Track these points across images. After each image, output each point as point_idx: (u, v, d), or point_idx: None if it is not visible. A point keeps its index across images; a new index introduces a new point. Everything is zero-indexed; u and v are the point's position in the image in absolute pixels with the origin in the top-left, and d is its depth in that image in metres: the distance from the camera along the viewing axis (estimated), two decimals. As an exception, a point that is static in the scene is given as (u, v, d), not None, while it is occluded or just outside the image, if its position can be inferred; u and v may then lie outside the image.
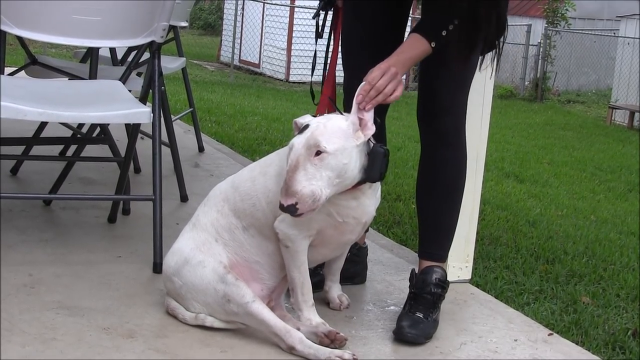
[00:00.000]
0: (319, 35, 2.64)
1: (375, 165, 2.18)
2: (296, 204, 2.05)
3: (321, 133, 2.10)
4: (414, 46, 2.31)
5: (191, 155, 4.75)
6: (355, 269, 2.77)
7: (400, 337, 2.36)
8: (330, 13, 2.65)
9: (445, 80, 2.46)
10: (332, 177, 2.09)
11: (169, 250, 2.38)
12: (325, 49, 2.63)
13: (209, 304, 2.27)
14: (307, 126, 2.15)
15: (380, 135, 2.70)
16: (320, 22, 2.63)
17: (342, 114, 2.26)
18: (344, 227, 2.27)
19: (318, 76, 2.59)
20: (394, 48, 2.34)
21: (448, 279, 2.54)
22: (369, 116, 2.18)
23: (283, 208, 2.07)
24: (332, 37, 2.64)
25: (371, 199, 2.29)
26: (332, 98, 2.50)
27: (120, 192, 3.13)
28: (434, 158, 2.51)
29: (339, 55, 2.63)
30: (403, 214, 4.26)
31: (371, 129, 2.17)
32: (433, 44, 2.29)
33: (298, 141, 2.11)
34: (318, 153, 2.07)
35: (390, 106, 2.69)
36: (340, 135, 2.12)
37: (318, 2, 2.63)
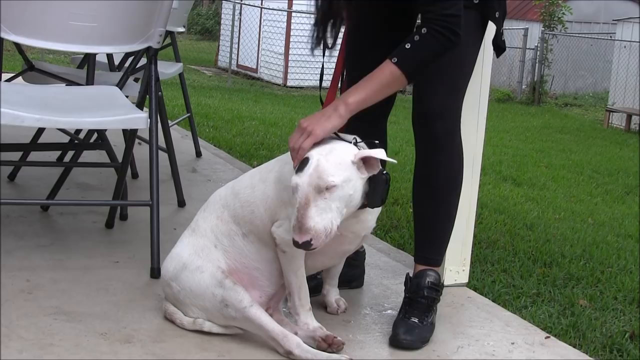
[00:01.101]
0: (326, 46, 2.63)
1: (377, 192, 2.16)
2: (311, 240, 2.04)
3: (324, 169, 2.05)
4: (375, 77, 2.27)
5: (188, 160, 4.76)
6: (352, 272, 2.78)
7: (396, 344, 2.36)
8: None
9: (436, 84, 2.46)
10: (340, 207, 2.07)
11: (168, 255, 2.38)
12: (324, 58, 2.63)
13: (207, 309, 2.27)
14: (305, 160, 2.10)
15: (380, 141, 2.72)
16: (328, 34, 2.63)
17: (340, 138, 2.21)
18: (343, 239, 2.27)
19: (327, 81, 2.58)
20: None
21: (445, 282, 2.55)
22: (377, 154, 2.11)
23: (298, 245, 2.05)
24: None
25: (372, 214, 2.29)
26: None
27: (118, 197, 3.14)
28: (428, 163, 2.50)
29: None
30: (400, 218, 4.26)
31: (377, 169, 2.13)
32: (394, 59, 2.24)
33: (301, 181, 2.06)
34: (326, 187, 2.05)
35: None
36: (344, 167, 2.08)
37: (315, 14, 2.62)
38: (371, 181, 2.14)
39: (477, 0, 2.41)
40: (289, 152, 2.26)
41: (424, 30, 2.23)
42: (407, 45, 2.25)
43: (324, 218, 2.04)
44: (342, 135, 2.24)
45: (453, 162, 2.53)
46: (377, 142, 2.24)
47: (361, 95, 2.24)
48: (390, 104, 2.70)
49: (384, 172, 2.16)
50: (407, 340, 2.36)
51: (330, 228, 2.05)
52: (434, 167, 2.49)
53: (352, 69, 2.60)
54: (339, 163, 2.08)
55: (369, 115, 2.61)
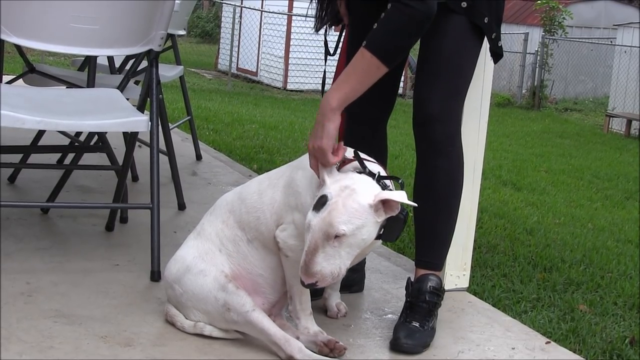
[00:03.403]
0: (328, 53, 2.64)
1: (394, 230, 2.13)
2: (316, 282, 2.05)
3: (339, 215, 2.02)
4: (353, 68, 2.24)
5: (189, 163, 4.75)
6: (353, 277, 2.77)
7: (397, 348, 2.36)
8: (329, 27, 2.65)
9: (434, 88, 2.45)
10: (351, 252, 2.07)
11: (172, 257, 2.38)
12: (326, 63, 2.64)
13: (209, 312, 2.27)
14: (324, 198, 2.06)
15: (380, 146, 2.72)
16: (337, 41, 2.63)
17: (364, 168, 2.16)
18: None
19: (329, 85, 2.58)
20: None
21: (446, 287, 2.54)
22: (398, 197, 2.06)
23: (304, 285, 2.07)
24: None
25: None
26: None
27: (118, 200, 3.14)
28: (427, 167, 2.49)
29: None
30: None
31: (396, 211, 2.08)
32: (364, 42, 2.21)
33: (315, 222, 2.04)
34: (336, 236, 2.03)
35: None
36: (360, 215, 2.04)
37: (315, 19, 2.63)
38: (389, 219, 2.11)
39: (465, 5, 2.39)
40: (300, 158, 2.27)
41: (389, 6, 2.20)
42: (375, 26, 2.23)
43: (331, 263, 2.04)
44: (367, 161, 2.19)
45: (453, 166, 2.52)
46: (400, 180, 2.21)
47: (343, 90, 2.22)
48: (390, 109, 2.70)
49: (404, 211, 2.11)
50: (408, 344, 2.36)
51: (338, 272, 2.06)
52: (434, 171, 2.49)
53: None
54: (356, 210, 2.04)
55: (369, 120, 2.62)
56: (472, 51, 2.49)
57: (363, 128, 2.65)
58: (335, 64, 2.72)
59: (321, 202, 2.06)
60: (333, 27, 2.62)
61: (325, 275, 2.05)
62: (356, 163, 2.19)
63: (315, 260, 2.04)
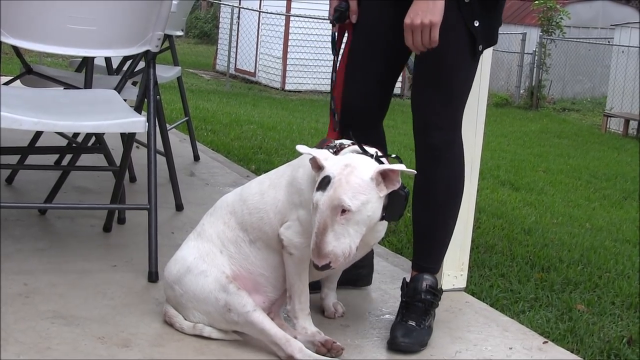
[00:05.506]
0: (336, 52, 2.63)
1: (396, 208, 2.17)
2: (329, 262, 2.07)
3: (344, 191, 2.06)
4: None
5: (187, 164, 4.75)
6: (358, 272, 2.78)
7: (394, 347, 2.36)
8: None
9: (432, 94, 2.46)
10: (359, 229, 2.09)
11: (172, 258, 2.38)
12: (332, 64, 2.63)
13: (210, 313, 2.27)
14: (327, 178, 2.10)
15: (380, 145, 2.72)
16: (332, 41, 2.63)
17: (364, 151, 2.22)
18: None
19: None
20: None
21: (443, 287, 2.54)
22: (396, 167, 2.12)
23: (317, 268, 2.09)
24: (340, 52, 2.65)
25: (382, 224, 2.30)
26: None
27: (116, 201, 3.13)
28: (427, 173, 2.48)
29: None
30: (399, 222, 4.26)
31: (397, 184, 2.13)
32: None
33: (322, 201, 2.07)
34: (343, 211, 2.06)
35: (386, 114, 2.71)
36: (363, 190, 2.08)
37: (330, 19, 2.62)
38: (390, 196, 2.15)
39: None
40: (300, 157, 2.27)
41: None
42: None
43: (341, 243, 2.06)
44: (366, 147, 2.24)
45: (452, 173, 2.52)
46: (396, 156, 2.24)
47: None
48: (385, 108, 2.70)
49: (405, 188, 2.16)
50: (405, 342, 2.36)
51: (349, 252, 2.08)
52: (433, 178, 2.49)
53: (352, 79, 2.59)
54: (359, 185, 2.08)
55: (365, 121, 2.61)
56: (467, 54, 2.46)
57: (360, 130, 2.65)
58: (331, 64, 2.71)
59: (325, 182, 2.09)
60: (336, 25, 2.61)
61: (338, 255, 2.06)
62: (353, 147, 2.23)
63: (326, 240, 2.05)
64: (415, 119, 2.51)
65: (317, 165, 2.16)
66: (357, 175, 2.09)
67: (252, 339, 2.27)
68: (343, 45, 2.64)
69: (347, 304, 2.63)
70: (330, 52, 2.66)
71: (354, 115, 2.60)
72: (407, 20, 2.29)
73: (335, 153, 2.22)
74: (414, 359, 2.35)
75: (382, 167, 2.12)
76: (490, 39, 2.48)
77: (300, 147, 2.21)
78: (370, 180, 2.09)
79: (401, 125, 9.69)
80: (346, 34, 2.64)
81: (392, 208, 2.16)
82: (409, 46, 2.35)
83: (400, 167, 2.12)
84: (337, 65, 2.60)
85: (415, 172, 2.20)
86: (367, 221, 2.11)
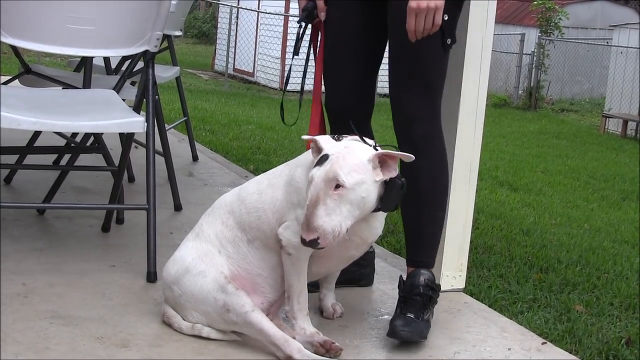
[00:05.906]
0: (296, 52, 2.67)
1: (392, 197, 2.18)
2: (318, 238, 2.06)
3: (340, 166, 2.08)
4: None
5: (185, 164, 4.75)
6: (360, 272, 2.78)
7: (394, 336, 2.36)
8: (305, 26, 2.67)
9: (409, 88, 2.48)
10: (351, 210, 2.10)
11: (170, 258, 2.38)
12: (304, 63, 2.66)
13: (208, 313, 2.27)
14: (325, 156, 2.12)
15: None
16: (296, 39, 2.66)
17: (363, 140, 2.23)
18: (350, 244, 2.27)
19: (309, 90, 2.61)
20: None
21: (442, 287, 2.54)
22: (393, 153, 2.15)
23: (305, 243, 2.08)
24: (312, 51, 2.68)
25: (380, 220, 2.30)
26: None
27: (114, 201, 3.13)
28: (410, 167, 2.46)
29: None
30: (397, 222, 4.25)
31: (394, 172, 2.15)
32: None
33: (318, 174, 2.09)
34: (337, 187, 2.07)
35: (374, 112, 2.71)
36: (359, 169, 2.10)
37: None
38: (387, 185, 2.16)
39: None
40: (298, 157, 2.29)
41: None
42: None
43: (332, 219, 2.06)
44: (365, 139, 2.25)
45: (435, 165, 2.53)
46: (394, 146, 2.26)
47: None
48: (371, 105, 2.72)
49: (401, 178, 2.18)
50: (405, 331, 2.36)
51: (339, 230, 2.07)
52: (417, 171, 2.49)
53: (330, 78, 2.65)
54: (356, 163, 2.10)
55: (353, 116, 2.62)
56: (438, 41, 2.45)
57: (348, 127, 2.65)
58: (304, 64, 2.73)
59: (323, 159, 2.12)
60: (302, 25, 2.64)
61: (327, 231, 2.06)
62: (353, 137, 2.25)
63: (316, 214, 2.05)
64: (396, 114, 2.53)
65: (317, 149, 2.18)
66: (355, 155, 2.12)
67: (251, 339, 2.26)
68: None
69: (346, 305, 2.63)
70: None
71: (336, 115, 2.63)
72: (413, 4, 2.31)
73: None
74: (413, 359, 2.34)
75: (380, 152, 2.14)
76: (454, 36, 2.50)
77: (305, 136, 2.27)
78: (367, 162, 2.12)
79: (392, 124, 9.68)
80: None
81: (387, 198, 2.17)
82: (409, 31, 2.35)
83: (398, 153, 2.15)
84: (306, 64, 2.62)
85: (413, 157, 2.20)
86: (361, 203, 2.11)
